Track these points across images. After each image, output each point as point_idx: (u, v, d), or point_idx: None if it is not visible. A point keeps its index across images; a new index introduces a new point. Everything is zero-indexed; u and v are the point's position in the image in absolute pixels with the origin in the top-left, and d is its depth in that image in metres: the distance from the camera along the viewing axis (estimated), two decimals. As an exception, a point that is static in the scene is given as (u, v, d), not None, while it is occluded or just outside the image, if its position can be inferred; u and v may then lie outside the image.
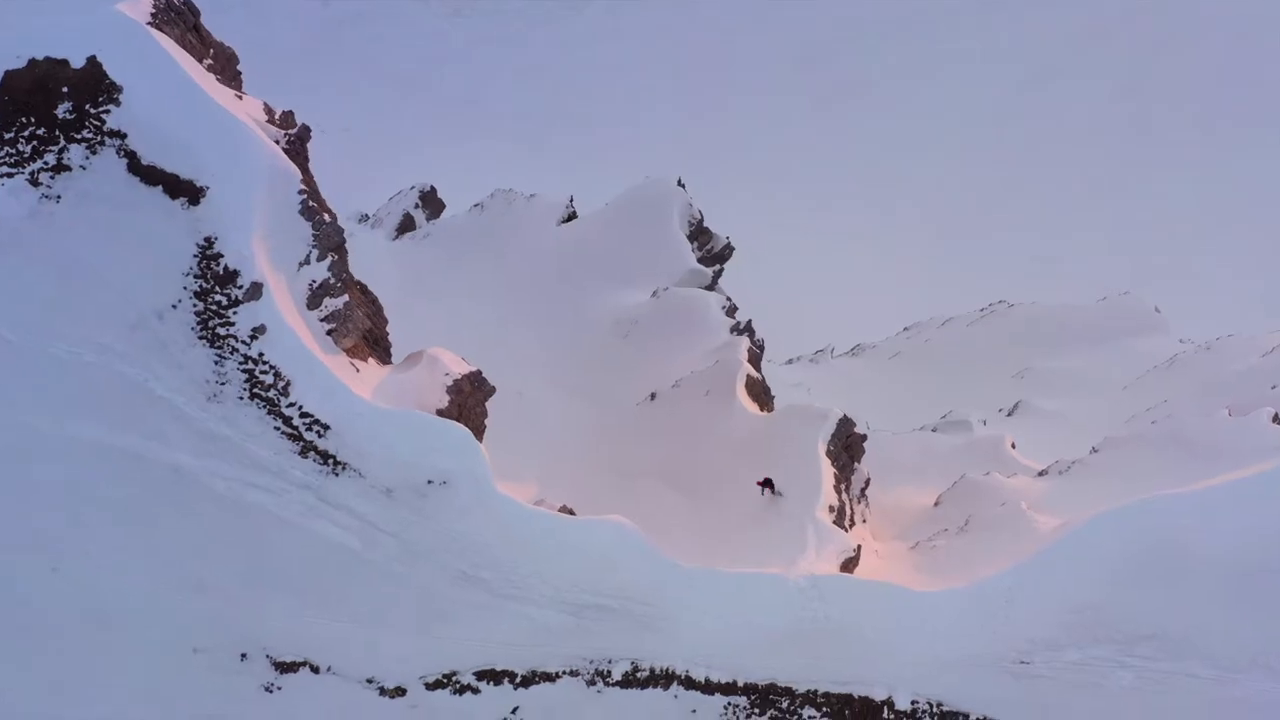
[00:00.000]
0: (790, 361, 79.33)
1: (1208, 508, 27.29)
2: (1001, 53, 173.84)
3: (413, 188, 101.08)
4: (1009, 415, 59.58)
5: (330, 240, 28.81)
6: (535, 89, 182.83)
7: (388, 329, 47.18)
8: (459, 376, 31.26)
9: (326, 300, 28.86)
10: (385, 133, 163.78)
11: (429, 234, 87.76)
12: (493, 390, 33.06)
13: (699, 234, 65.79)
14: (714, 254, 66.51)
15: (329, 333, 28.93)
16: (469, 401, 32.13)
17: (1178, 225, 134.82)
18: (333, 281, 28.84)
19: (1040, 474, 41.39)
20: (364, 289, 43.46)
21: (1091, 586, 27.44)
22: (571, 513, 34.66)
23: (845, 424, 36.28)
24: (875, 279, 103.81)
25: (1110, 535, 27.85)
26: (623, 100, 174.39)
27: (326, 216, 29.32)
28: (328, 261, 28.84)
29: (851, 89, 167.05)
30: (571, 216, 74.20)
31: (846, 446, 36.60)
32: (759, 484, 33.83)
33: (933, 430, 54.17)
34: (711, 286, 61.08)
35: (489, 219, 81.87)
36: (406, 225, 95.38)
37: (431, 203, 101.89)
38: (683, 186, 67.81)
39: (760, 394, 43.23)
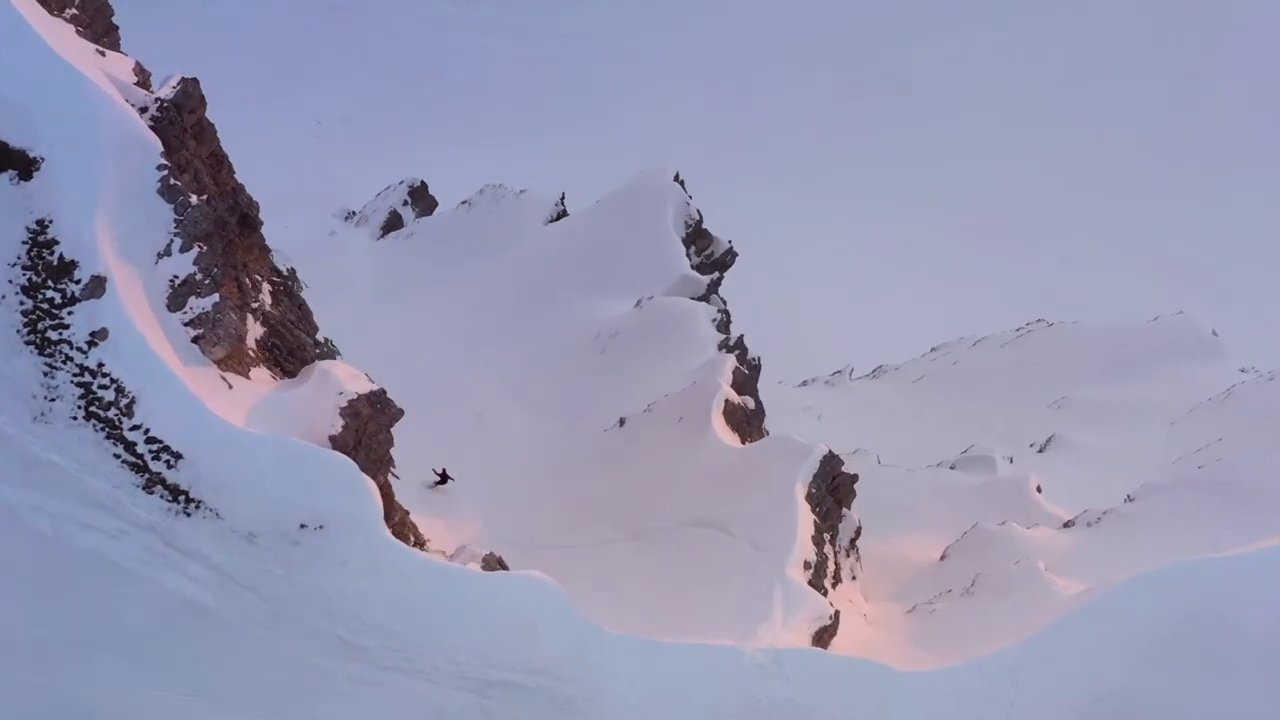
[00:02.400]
0: (805, 383, 75.22)
1: (1261, 574, 23.31)
2: (1046, 45, 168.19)
3: (401, 183, 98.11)
4: (1040, 450, 55.29)
5: (197, 227, 25.14)
6: (544, 79, 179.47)
7: (317, 336, 43.46)
8: (355, 397, 27.43)
9: (192, 300, 25.18)
10: (386, 124, 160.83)
11: (414, 233, 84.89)
12: (399, 413, 29.33)
13: (697, 236, 62.03)
14: (713, 260, 62.69)
15: (194, 340, 25.22)
16: (369, 427, 28.37)
17: (1243, 238, 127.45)
18: (199, 277, 25.17)
19: (1066, 525, 37.23)
20: (286, 288, 39.95)
21: (1116, 668, 23.89)
22: (501, 564, 30.90)
23: (830, 462, 32.28)
24: (903, 292, 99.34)
25: (1140, 606, 24.14)
26: (635, 92, 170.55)
27: (195, 199, 25.55)
28: (194, 253, 25.15)
29: (880, 82, 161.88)
30: (562, 215, 70.77)
31: (833, 489, 32.61)
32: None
33: (951, 467, 49.96)
34: (707, 296, 57.18)
35: (476, 217, 78.69)
36: (393, 223, 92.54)
37: (422, 199, 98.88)
38: (680, 183, 64.08)
39: (743, 422, 39.35)
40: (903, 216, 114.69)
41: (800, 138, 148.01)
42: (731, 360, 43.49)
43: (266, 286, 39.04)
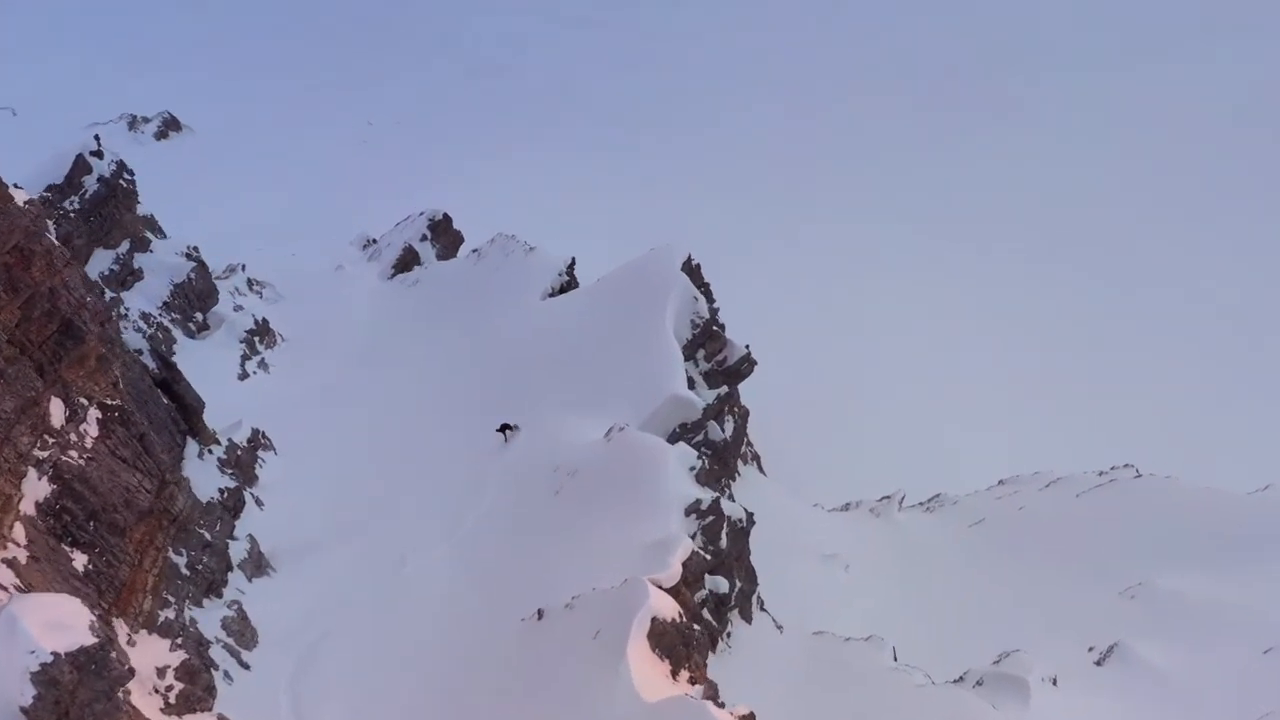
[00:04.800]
0: (847, 507, 66.89)
1: None
2: (1195, 88, 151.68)
3: (421, 214, 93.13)
4: (1099, 663, 46.21)
5: None
6: (621, 82, 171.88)
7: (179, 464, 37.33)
8: (50, 659, 20.43)
9: None
10: (447, 127, 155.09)
11: (418, 280, 79.96)
12: (128, 674, 22.24)
13: (706, 338, 54.30)
14: (725, 368, 54.89)
15: None
16: (79, 696, 21.34)
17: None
18: None
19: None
20: (124, 412, 33.78)
21: None
22: None
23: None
24: (984, 402, 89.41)
25: None
26: (712, 100, 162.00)
27: None
28: None
29: (984, 111, 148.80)
30: (565, 286, 63.95)
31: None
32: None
33: (978, 682, 41.40)
34: (705, 422, 49.50)
35: (481, 272, 72.95)
36: (406, 261, 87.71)
37: (444, 233, 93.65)
38: (694, 269, 56.55)
39: (679, 645, 31.63)
40: (993, 311, 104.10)
41: (877, 169, 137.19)
42: (686, 547, 35.81)
43: (95, 414, 32.63)
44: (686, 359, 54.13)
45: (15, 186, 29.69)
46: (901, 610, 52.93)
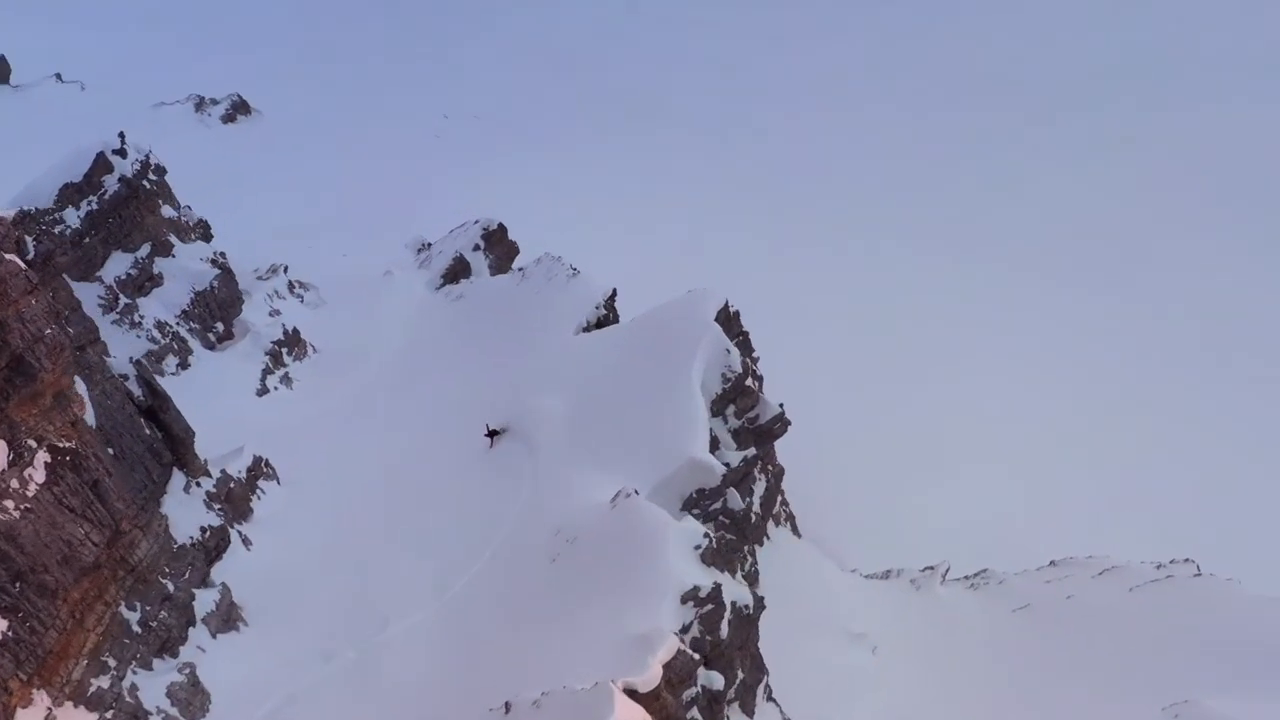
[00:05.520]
0: (887, 575, 63.79)
1: None
2: None
3: (476, 222, 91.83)
4: (1125, 795, 42.73)
5: None
6: (715, 88, 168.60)
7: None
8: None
9: None
10: (526, 125, 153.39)
11: (462, 295, 78.85)
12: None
13: (738, 394, 51.65)
14: (756, 427, 52.14)
15: None
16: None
17: None
18: None
19: None
20: (75, 457, 32.42)
21: None
22: None
23: None
24: (1042, 469, 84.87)
25: None
26: (806, 108, 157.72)
27: None
28: None
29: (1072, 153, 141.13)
30: (601, 321, 61.79)
31: None
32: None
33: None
34: (724, 489, 46.90)
35: (521, 296, 71.34)
36: (456, 271, 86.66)
37: (498, 244, 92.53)
38: (731, 317, 53.86)
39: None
40: (1068, 370, 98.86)
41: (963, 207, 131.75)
42: (671, 646, 33.36)
43: (44, 457, 31.26)
44: (715, 414, 51.64)
45: None
46: (926, 702, 49.87)
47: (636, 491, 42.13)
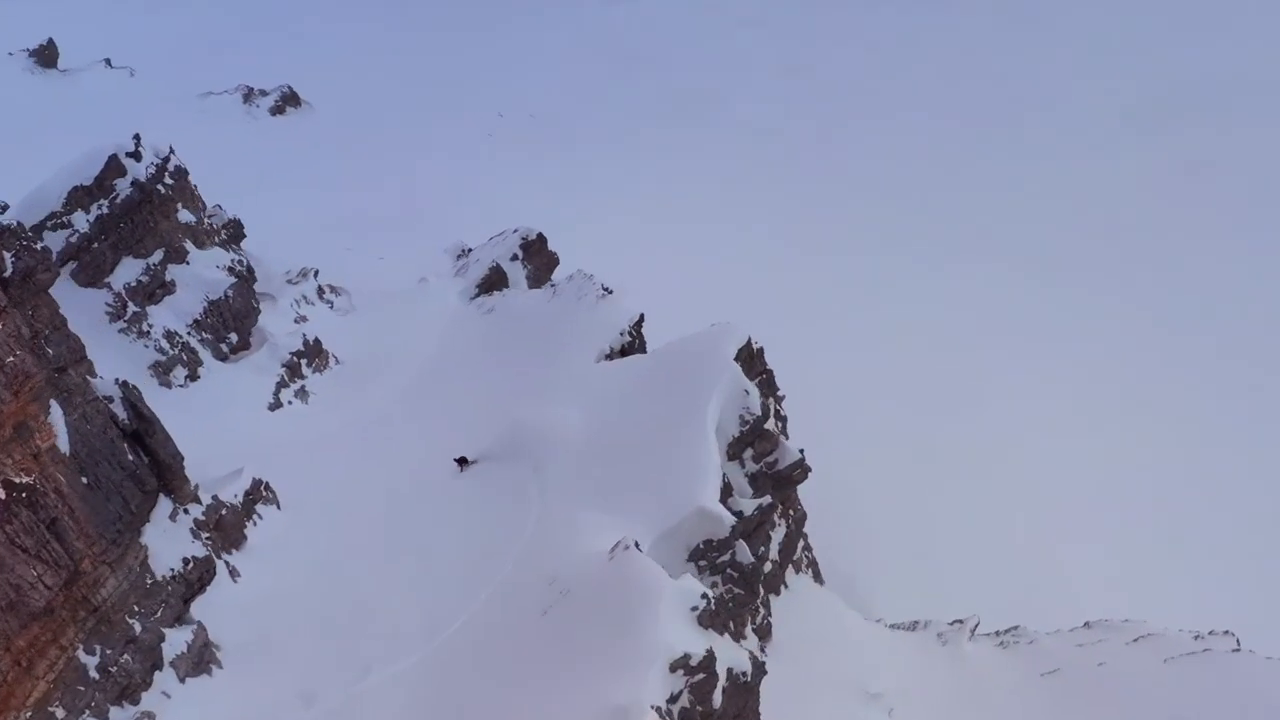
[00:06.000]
0: (914, 626, 61.46)
1: None
2: None
3: (515, 230, 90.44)
4: None
5: None
6: (789, 92, 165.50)
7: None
8: None
9: None
10: (582, 122, 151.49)
11: (494, 309, 77.75)
12: None
13: (756, 438, 49.64)
14: (775, 472, 50.11)
15: None
16: None
17: None
18: None
19: None
20: (33, 495, 31.40)
21: None
22: None
23: None
24: (1085, 520, 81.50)
25: None
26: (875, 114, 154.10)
27: None
28: None
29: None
30: (624, 349, 60.10)
31: None
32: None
33: None
34: (733, 539, 44.99)
35: (550, 314, 70.02)
36: (492, 281, 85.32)
37: (536, 254, 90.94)
38: (753, 355, 51.82)
39: None
40: (1119, 417, 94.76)
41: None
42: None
43: None
44: (732, 458, 49.71)
45: None
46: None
47: (637, 544, 40.28)
